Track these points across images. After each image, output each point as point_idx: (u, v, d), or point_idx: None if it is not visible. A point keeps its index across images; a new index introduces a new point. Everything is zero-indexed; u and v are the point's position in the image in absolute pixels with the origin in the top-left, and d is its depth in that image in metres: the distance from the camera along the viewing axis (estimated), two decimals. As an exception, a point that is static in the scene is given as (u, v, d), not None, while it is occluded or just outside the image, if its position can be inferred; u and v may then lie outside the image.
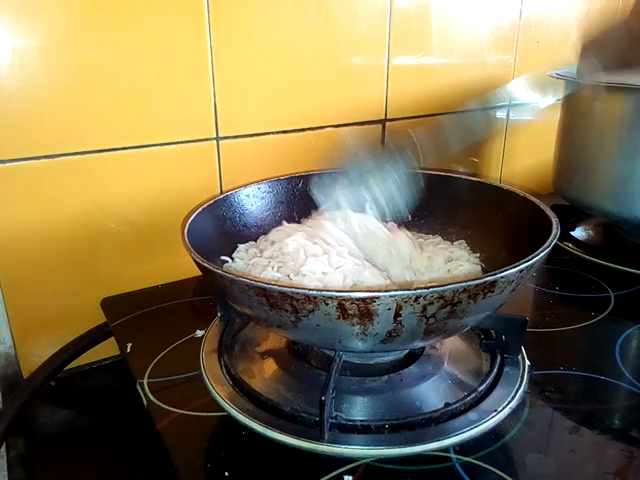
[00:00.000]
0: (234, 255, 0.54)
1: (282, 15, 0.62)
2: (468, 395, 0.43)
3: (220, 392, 0.45)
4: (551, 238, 0.42)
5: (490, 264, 0.52)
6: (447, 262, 0.52)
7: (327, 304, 0.35)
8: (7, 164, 0.53)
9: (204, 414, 0.43)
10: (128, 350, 0.52)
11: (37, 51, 0.51)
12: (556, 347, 0.52)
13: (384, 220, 0.55)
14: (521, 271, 0.38)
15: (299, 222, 0.59)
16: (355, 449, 0.39)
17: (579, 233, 0.77)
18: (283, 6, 0.62)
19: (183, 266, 0.61)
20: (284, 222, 0.57)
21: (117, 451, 0.50)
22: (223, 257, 0.53)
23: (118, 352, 0.58)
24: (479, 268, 0.52)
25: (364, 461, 0.38)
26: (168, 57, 0.57)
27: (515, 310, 0.47)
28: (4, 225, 0.55)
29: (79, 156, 0.56)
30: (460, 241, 0.57)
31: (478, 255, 0.54)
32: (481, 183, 0.57)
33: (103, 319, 0.58)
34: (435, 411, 0.42)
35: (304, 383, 0.45)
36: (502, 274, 0.37)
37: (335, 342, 0.40)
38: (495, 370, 0.46)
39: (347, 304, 0.35)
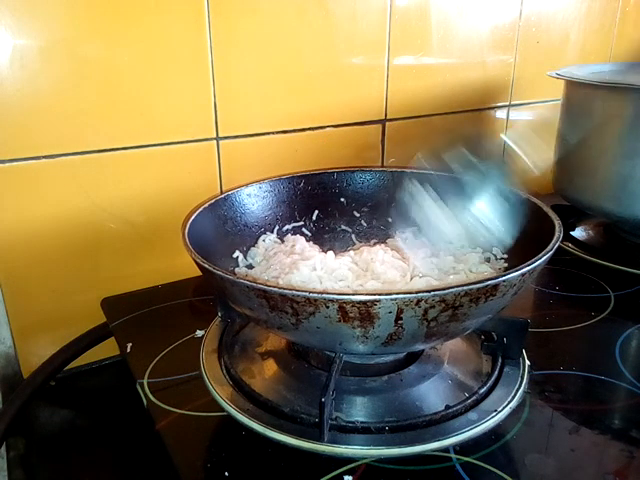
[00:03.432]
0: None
1: (282, 15, 0.62)
2: (468, 396, 0.43)
3: (220, 392, 0.45)
4: (554, 241, 0.42)
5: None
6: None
7: (328, 307, 0.35)
8: (7, 164, 0.53)
9: (204, 414, 0.43)
10: (128, 350, 0.52)
11: (37, 51, 0.51)
12: (556, 347, 0.52)
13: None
14: (523, 275, 0.38)
15: (298, 221, 0.59)
16: (355, 449, 0.39)
17: (579, 233, 0.77)
18: (283, 6, 0.62)
19: (183, 266, 0.61)
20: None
21: (117, 451, 0.50)
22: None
23: (118, 352, 0.57)
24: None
25: (364, 461, 0.38)
26: (168, 57, 0.57)
27: (515, 310, 0.47)
28: (4, 225, 0.55)
29: (79, 156, 0.56)
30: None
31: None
32: (481, 183, 0.57)
33: (103, 319, 0.58)
34: (435, 412, 0.42)
35: (304, 383, 0.45)
36: (504, 277, 0.36)
37: (336, 344, 0.39)
38: (495, 371, 0.46)
39: (348, 307, 0.35)
